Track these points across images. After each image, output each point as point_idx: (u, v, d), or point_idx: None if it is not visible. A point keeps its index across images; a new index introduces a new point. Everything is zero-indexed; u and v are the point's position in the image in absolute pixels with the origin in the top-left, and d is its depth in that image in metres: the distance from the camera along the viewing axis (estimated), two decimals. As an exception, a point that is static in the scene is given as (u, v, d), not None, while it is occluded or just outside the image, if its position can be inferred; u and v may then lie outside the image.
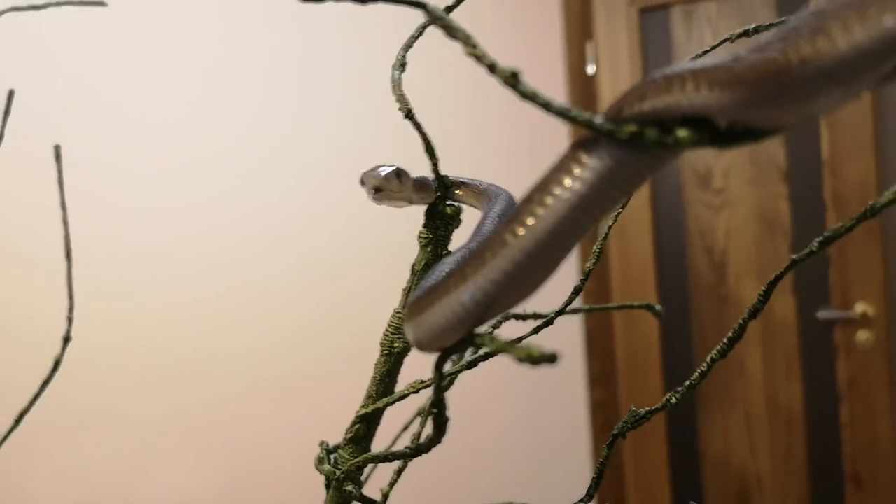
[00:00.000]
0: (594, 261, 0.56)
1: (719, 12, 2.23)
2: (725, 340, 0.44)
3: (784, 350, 2.19)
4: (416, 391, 0.52)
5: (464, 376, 0.54)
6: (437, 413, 0.35)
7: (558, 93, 2.28)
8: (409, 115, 0.49)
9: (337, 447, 0.53)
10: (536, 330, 0.57)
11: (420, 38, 0.52)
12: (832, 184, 2.13)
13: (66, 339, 0.68)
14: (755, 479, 2.24)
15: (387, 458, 0.43)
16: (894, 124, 2.11)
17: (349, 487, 0.49)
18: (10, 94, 0.69)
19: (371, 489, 0.54)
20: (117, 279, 2.16)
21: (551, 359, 0.25)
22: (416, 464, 0.58)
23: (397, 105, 0.49)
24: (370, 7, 1.69)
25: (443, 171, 0.52)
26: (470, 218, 0.52)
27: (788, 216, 2.18)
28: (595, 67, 2.32)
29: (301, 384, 2.22)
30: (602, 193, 0.28)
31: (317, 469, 0.51)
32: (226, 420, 2.20)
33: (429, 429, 0.37)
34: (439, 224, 0.53)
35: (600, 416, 2.29)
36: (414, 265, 0.53)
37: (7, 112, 0.69)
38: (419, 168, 0.55)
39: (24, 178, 1.97)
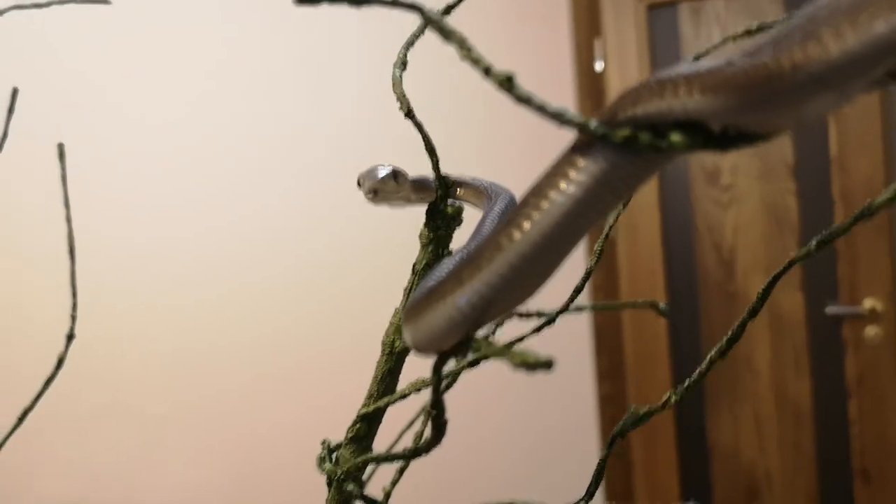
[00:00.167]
0: (595, 260, 0.55)
1: (727, 9, 2.22)
2: (724, 340, 0.44)
3: (792, 345, 2.18)
4: (418, 390, 0.52)
5: (469, 372, 0.54)
6: (436, 415, 0.35)
7: (566, 90, 2.27)
8: (409, 113, 0.49)
9: (338, 446, 0.53)
10: (538, 329, 0.57)
11: (422, 36, 0.52)
12: (840, 180, 2.12)
13: (70, 337, 0.68)
14: (764, 474, 2.23)
15: (386, 459, 0.43)
16: (904, 119, 2.10)
17: (350, 487, 0.49)
18: (14, 93, 0.69)
19: (373, 487, 0.54)
20: (120, 277, 2.17)
21: (547, 365, 0.25)
22: (419, 461, 0.58)
23: (398, 104, 0.49)
24: (370, 7, 1.69)
25: (444, 171, 0.52)
26: (471, 218, 0.52)
27: (796, 213, 2.17)
28: (603, 64, 2.32)
29: (303, 382, 2.23)
30: (597, 196, 0.28)
31: (318, 468, 0.51)
32: (227, 419, 2.21)
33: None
34: (440, 223, 0.53)
35: (609, 411, 2.29)
36: (415, 265, 0.53)
37: (11, 110, 0.70)
38: (420, 168, 0.55)
39: (25, 176, 1.98)
